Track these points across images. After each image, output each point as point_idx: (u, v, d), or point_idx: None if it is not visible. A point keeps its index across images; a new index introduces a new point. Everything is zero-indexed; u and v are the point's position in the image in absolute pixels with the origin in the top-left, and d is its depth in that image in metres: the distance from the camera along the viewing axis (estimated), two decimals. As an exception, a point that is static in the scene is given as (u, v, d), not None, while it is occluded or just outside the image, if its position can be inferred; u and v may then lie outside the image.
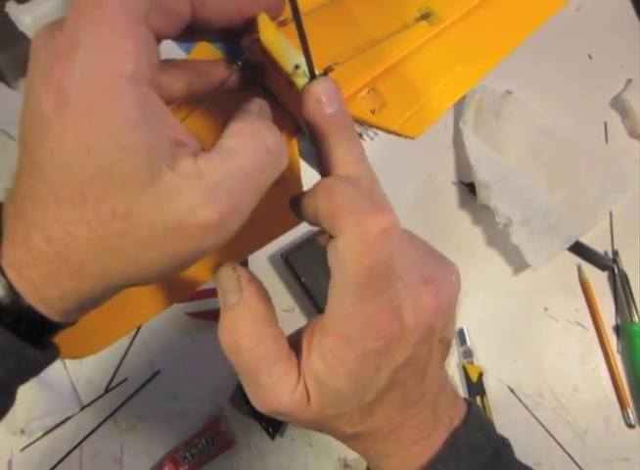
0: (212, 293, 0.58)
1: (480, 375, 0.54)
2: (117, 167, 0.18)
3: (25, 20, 0.47)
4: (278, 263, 0.59)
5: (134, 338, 0.59)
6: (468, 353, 0.55)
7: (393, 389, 0.24)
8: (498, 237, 0.58)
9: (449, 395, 0.27)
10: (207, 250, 0.20)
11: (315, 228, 0.59)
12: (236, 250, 0.30)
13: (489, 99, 0.60)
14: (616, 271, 0.56)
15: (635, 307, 0.55)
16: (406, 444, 0.26)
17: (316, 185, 0.23)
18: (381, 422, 0.25)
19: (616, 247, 0.57)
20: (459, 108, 0.61)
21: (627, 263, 0.57)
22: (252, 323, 0.24)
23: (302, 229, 0.60)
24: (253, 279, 0.25)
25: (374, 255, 0.21)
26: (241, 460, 0.55)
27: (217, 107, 0.31)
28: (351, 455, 0.54)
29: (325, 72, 0.30)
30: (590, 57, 0.64)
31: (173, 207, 0.19)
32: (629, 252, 0.57)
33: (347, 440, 0.26)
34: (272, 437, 0.54)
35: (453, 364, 0.56)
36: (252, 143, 0.21)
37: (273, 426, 0.54)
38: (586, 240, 0.58)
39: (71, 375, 0.58)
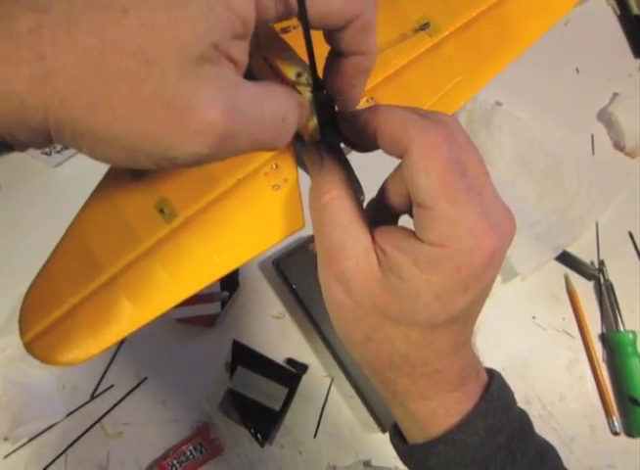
0: (203, 299, 0.58)
1: (469, 383, 0.55)
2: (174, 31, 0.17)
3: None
4: (269, 270, 0.59)
5: (121, 344, 0.58)
6: (457, 361, 0.56)
7: (460, 321, 0.24)
8: (487, 246, 0.59)
9: (472, 349, 0.27)
10: (174, 156, 0.19)
11: (306, 234, 0.59)
12: (235, 254, 0.30)
13: (480, 110, 0.61)
14: (601, 281, 0.57)
15: (620, 317, 0.56)
16: (448, 388, 0.25)
17: (375, 107, 0.24)
18: (433, 355, 0.24)
19: (601, 257, 0.58)
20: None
21: (613, 273, 0.58)
22: (333, 182, 0.25)
23: (293, 236, 0.60)
24: (333, 151, 0.26)
25: (449, 152, 0.22)
26: (230, 468, 0.54)
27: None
28: (341, 462, 0.54)
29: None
30: (578, 71, 0.66)
31: (191, 91, 0.18)
32: (615, 262, 0.58)
33: (392, 368, 0.25)
34: (261, 444, 0.54)
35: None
36: (280, 99, 0.21)
37: (262, 433, 0.54)
38: (573, 250, 0.58)
39: (57, 381, 0.57)
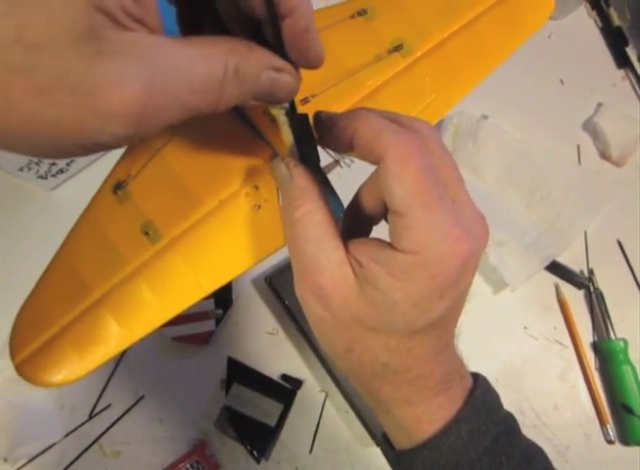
0: (197, 317, 0.59)
1: (463, 394, 0.55)
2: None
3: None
4: (262, 286, 0.60)
5: (118, 363, 0.59)
6: (450, 373, 0.56)
7: (438, 327, 0.24)
8: (477, 257, 0.60)
9: (457, 353, 0.28)
10: (99, 142, 0.18)
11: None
12: (218, 273, 0.31)
13: (466, 124, 0.62)
14: (591, 290, 0.58)
15: (611, 325, 0.56)
16: (431, 393, 0.25)
17: (352, 113, 0.25)
18: (413, 362, 0.24)
19: (591, 266, 0.59)
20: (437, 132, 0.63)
21: (602, 282, 0.58)
22: (304, 196, 0.25)
23: (285, 252, 0.60)
24: (300, 165, 0.27)
25: (423, 160, 0.22)
26: (226, 485, 0.55)
27: (195, 134, 0.32)
28: (337, 478, 0.54)
29: (303, 102, 0.31)
30: (562, 82, 0.67)
31: (93, 70, 0.16)
32: (604, 270, 0.59)
33: (375, 376, 0.25)
34: (257, 460, 0.54)
35: (436, 384, 0.57)
36: (213, 55, 0.19)
37: (258, 449, 0.54)
38: (562, 259, 0.59)
39: (55, 402, 0.58)
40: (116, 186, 0.32)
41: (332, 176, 0.32)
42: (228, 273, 0.31)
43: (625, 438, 0.54)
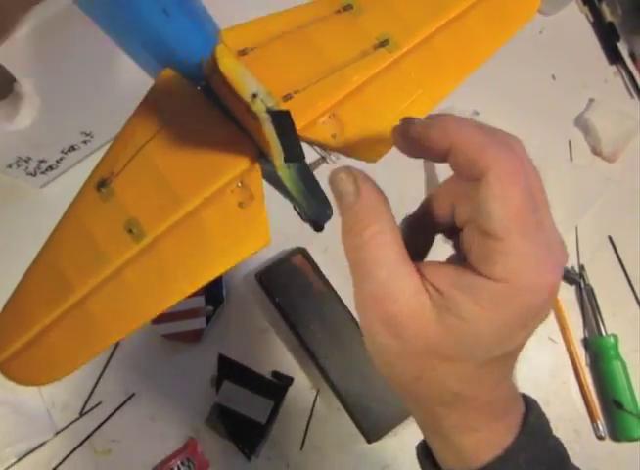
0: (188, 315, 0.59)
1: (453, 391, 0.55)
2: None
3: (-3, 46, 0.48)
4: (253, 284, 0.59)
5: (109, 360, 0.59)
6: (441, 369, 0.56)
7: (512, 354, 0.23)
8: (469, 254, 0.60)
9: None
10: None
11: (288, 248, 0.59)
12: (204, 271, 0.30)
13: (458, 119, 0.62)
14: (582, 286, 0.58)
15: (602, 321, 0.56)
16: (492, 419, 0.25)
17: (445, 123, 0.23)
18: (483, 389, 0.23)
19: (582, 262, 0.59)
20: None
21: (593, 278, 0.58)
22: (375, 215, 0.23)
23: (276, 249, 0.60)
24: (368, 178, 0.25)
25: (526, 181, 0.21)
26: (217, 482, 0.55)
27: (180, 130, 0.31)
28: (328, 475, 0.54)
29: (286, 98, 0.31)
30: (554, 77, 0.67)
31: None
32: (595, 266, 0.59)
33: (443, 404, 0.24)
34: (248, 457, 0.54)
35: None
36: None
37: (249, 446, 0.54)
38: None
39: (46, 400, 0.58)
40: (100, 184, 0.31)
41: (318, 173, 0.32)
42: (212, 271, 0.31)
43: (616, 433, 0.54)
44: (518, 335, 0.22)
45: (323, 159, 0.34)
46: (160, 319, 0.59)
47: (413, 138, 0.24)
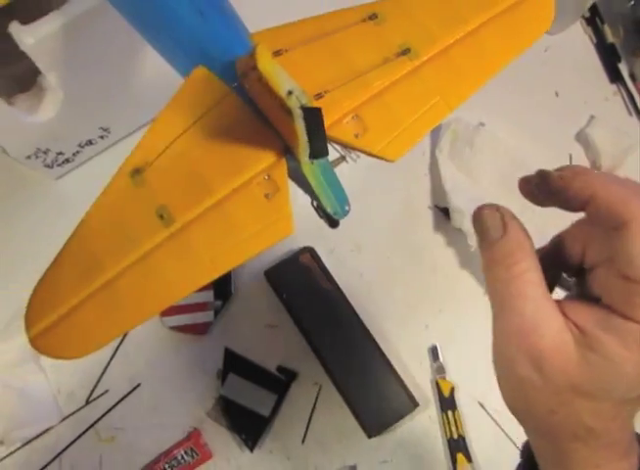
0: (196, 308, 0.60)
1: (452, 390, 0.57)
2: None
3: (28, 41, 0.49)
4: (260, 280, 0.61)
5: (116, 350, 0.60)
6: (440, 370, 0.58)
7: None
8: (470, 259, 0.62)
9: None
10: None
11: (295, 247, 0.61)
12: (228, 259, 0.32)
13: (463, 130, 0.64)
14: (579, 293, 0.60)
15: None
16: (618, 457, 0.25)
17: (586, 175, 0.24)
18: (615, 426, 0.24)
19: (580, 270, 0.61)
20: (435, 137, 0.65)
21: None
22: (524, 252, 0.24)
23: (284, 248, 0.62)
24: (514, 216, 0.26)
25: None
26: (219, 472, 0.56)
27: (211, 124, 0.33)
28: (328, 468, 0.56)
29: (318, 97, 0.33)
30: (557, 94, 0.69)
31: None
32: (592, 275, 0.61)
33: (575, 439, 0.25)
34: (251, 449, 0.55)
35: (427, 380, 0.58)
36: None
37: (252, 438, 0.56)
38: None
39: (53, 386, 0.59)
40: (134, 171, 0.33)
41: (337, 171, 0.34)
42: (237, 258, 0.32)
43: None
44: None
45: (343, 158, 0.36)
46: (168, 312, 0.60)
47: (553, 191, 0.26)
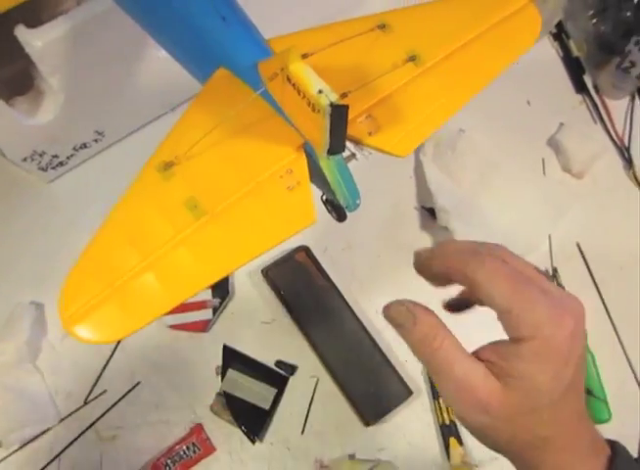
0: (194, 307, 0.61)
1: (443, 379, 0.60)
2: None
3: (36, 44, 0.51)
4: (257, 279, 0.63)
5: (114, 350, 0.61)
6: (432, 359, 0.61)
7: (571, 390, 0.28)
8: (456, 256, 0.66)
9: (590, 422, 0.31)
10: None
11: (289, 247, 0.63)
12: (256, 246, 0.34)
13: (446, 136, 0.68)
14: (555, 286, 0.64)
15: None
16: (579, 459, 0.29)
17: (440, 251, 0.31)
18: (563, 428, 0.28)
19: (554, 264, 0.66)
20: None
21: (564, 279, 0.65)
22: (436, 328, 0.29)
23: (279, 248, 0.64)
24: (417, 303, 0.30)
25: (509, 270, 0.28)
26: (222, 465, 0.57)
27: (237, 122, 0.36)
28: (328, 456, 0.58)
29: (343, 96, 0.36)
30: (529, 103, 0.75)
31: None
32: (566, 269, 0.66)
33: (535, 449, 0.28)
34: (253, 441, 0.57)
35: (417, 371, 0.61)
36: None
37: (253, 431, 0.57)
38: (530, 259, 0.65)
39: (50, 387, 0.59)
40: (164, 165, 0.35)
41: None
42: (264, 245, 0.35)
43: (585, 418, 0.60)
44: (564, 372, 0.27)
45: (353, 155, 0.39)
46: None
47: (421, 269, 0.32)
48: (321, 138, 0.33)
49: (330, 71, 0.37)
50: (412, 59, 0.39)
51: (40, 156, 0.62)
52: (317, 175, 0.37)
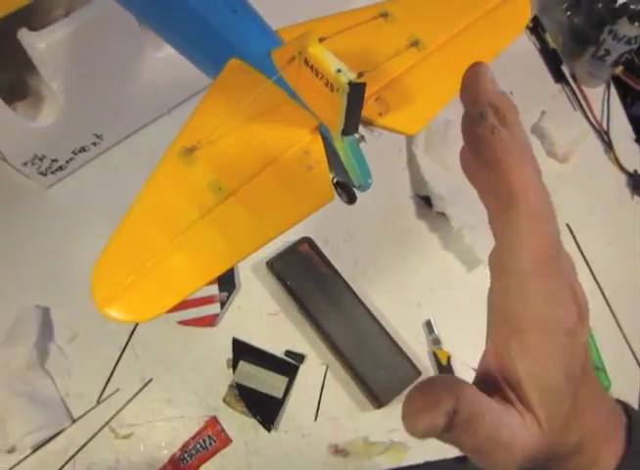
0: (202, 302, 0.62)
1: (449, 359, 0.62)
2: None
3: (40, 46, 0.51)
4: (261, 271, 0.64)
5: (124, 349, 0.61)
6: (436, 341, 0.63)
7: (584, 381, 0.25)
8: (453, 240, 0.68)
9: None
10: None
11: (293, 239, 0.65)
12: (280, 224, 0.36)
13: (436, 126, 0.71)
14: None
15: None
16: (604, 438, 0.27)
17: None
18: (588, 424, 0.26)
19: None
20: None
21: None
22: (476, 404, 0.23)
23: (282, 241, 0.66)
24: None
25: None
26: (239, 455, 0.58)
27: (256, 107, 0.37)
28: (342, 440, 0.59)
29: (359, 76, 0.38)
30: (512, 93, 0.78)
31: None
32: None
33: (571, 455, 0.26)
34: (269, 430, 0.58)
35: (424, 352, 0.63)
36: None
37: (268, 419, 0.58)
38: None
39: (60, 389, 0.59)
40: (185, 151, 0.36)
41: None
42: (288, 223, 0.36)
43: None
44: (572, 364, 0.24)
45: (362, 137, 0.41)
46: (174, 307, 0.62)
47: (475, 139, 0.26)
48: (337, 119, 0.35)
49: (339, 57, 0.40)
50: (414, 44, 0.41)
51: (40, 160, 0.62)
52: (331, 157, 0.38)
